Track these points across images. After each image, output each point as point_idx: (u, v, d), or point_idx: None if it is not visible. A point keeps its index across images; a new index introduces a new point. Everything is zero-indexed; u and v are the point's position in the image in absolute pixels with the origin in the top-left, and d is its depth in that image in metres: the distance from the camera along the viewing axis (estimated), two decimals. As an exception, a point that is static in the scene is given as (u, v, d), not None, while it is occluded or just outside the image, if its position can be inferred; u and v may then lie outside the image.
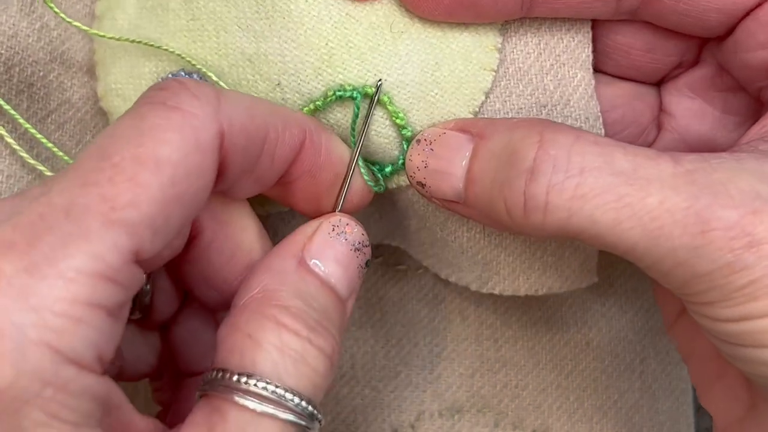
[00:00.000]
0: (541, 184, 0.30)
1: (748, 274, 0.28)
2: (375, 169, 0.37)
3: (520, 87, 0.37)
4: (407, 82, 0.35)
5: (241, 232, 0.34)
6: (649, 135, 0.40)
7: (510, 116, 0.37)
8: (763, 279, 0.28)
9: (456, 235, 0.38)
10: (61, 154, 0.38)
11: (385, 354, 0.44)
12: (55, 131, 0.38)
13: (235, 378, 0.28)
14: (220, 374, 0.28)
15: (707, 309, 0.29)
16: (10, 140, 0.36)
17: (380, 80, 0.35)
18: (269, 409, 0.28)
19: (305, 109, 0.35)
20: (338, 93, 0.35)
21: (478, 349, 0.44)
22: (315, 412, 0.29)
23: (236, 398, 0.28)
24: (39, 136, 0.37)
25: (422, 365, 0.44)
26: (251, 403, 0.28)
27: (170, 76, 0.37)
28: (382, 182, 0.37)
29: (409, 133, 0.36)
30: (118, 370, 0.36)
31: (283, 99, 0.36)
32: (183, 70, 0.37)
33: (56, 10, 0.37)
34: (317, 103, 0.35)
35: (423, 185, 0.35)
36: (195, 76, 0.37)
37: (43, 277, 0.24)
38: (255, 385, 0.28)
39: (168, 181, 0.26)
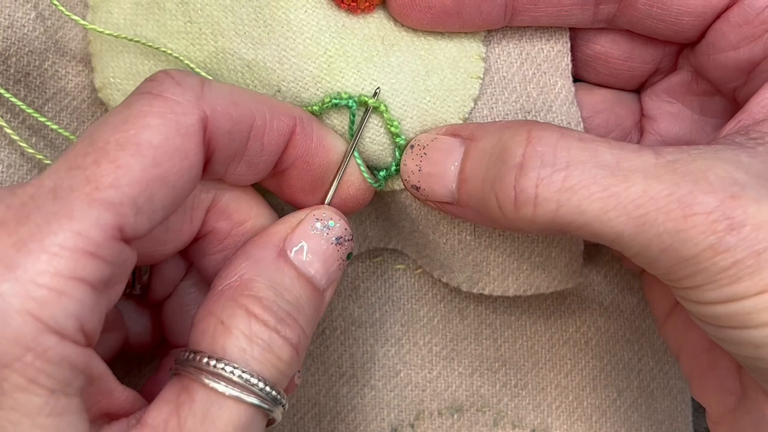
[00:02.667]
0: (530, 177, 0.31)
1: (731, 256, 0.29)
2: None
3: (506, 94, 0.38)
4: (400, 90, 0.37)
5: (257, 227, 0.35)
6: (633, 139, 0.41)
7: (498, 120, 0.38)
8: (745, 260, 0.29)
9: (447, 237, 0.39)
10: (66, 134, 0.38)
11: (384, 353, 0.45)
12: (52, 119, 0.39)
13: (204, 360, 0.30)
14: (191, 355, 0.30)
15: (694, 293, 0.30)
16: (9, 130, 0.37)
17: (378, 88, 0.36)
18: (235, 391, 0.29)
19: None
20: (334, 100, 0.36)
21: (478, 348, 0.45)
22: (278, 396, 0.30)
23: (205, 380, 0.29)
24: (47, 121, 0.38)
25: (421, 364, 0.45)
26: (218, 386, 0.29)
27: None
28: (381, 179, 0.37)
29: (402, 141, 0.37)
30: (123, 340, 0.37)
31: None
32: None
33: (56, 3, 0.37)
34: (314, 108, 0.36)
35: (417, 188, 0.36)
36: None
37: (29, 252, 0.26)
38: (223, 368, 0.29)
39: (149, 163, 0.28)
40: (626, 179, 0.30)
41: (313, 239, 0.34)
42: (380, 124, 0.37)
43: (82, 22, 0.37)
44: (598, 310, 0.45)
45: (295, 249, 0.33)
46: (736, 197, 0.29)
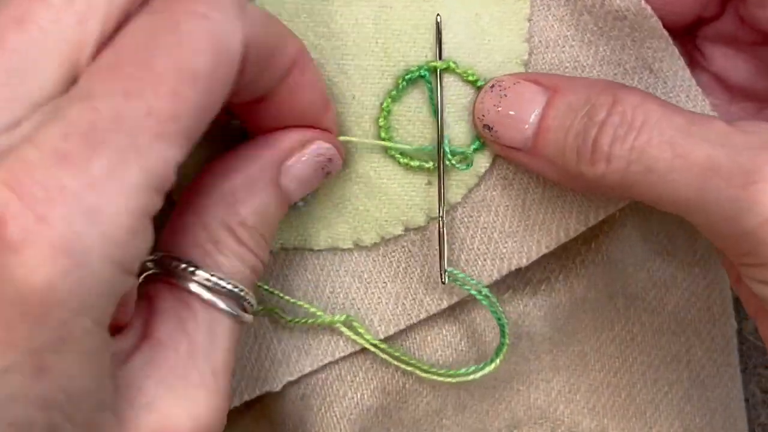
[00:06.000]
0: (607, 134, 0.32)
1: None
2: (464, 150, 0.37)
3: None
4: (460, 43, 0.37)
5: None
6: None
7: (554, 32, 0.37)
8: None
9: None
10: None
11: None
12: None
13: (200, 273, 0.30)
14: (183, 266, 0.30)
15: (758, 272, 0.30)
16: None
17: (438, 15, 0.36)
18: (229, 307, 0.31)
19: (384, 103, 0.37)
20: (407, 77, 0.36)
21: (536, 362, 0.43)
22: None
23: (204, 294, 0.30)
24: None
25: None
26: (219, 301, 0.30)
27: None
28: (470, 157, 0.37)
29: (483, 84, 0.37)
30: None
31: (362, 108, 0.37)
32: None
33: None
34: (392, 93, 0.37)
35: (491, 128, 0.36)
36: None
37: (106, 193, 0.24)
38: (220, 282, 0.30)
39: (203, 93, 0.27)
40: (694, 143, 0.30)
41: (308, 171, 0.34)
42: (457, 80, 0.37)
43: None
44: (642, 305, 0.44)
45: (288, 179, 0.33)
46: None
